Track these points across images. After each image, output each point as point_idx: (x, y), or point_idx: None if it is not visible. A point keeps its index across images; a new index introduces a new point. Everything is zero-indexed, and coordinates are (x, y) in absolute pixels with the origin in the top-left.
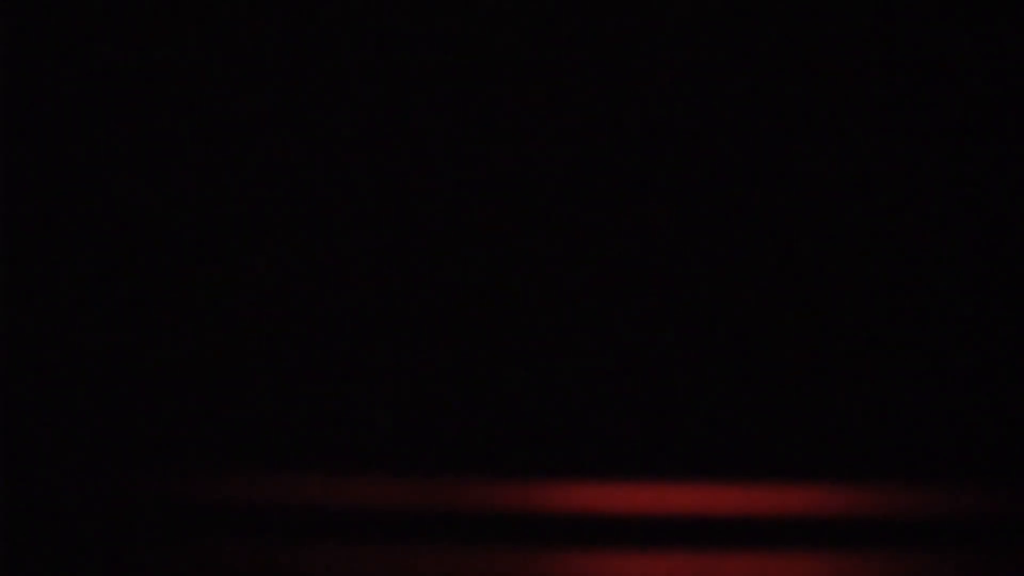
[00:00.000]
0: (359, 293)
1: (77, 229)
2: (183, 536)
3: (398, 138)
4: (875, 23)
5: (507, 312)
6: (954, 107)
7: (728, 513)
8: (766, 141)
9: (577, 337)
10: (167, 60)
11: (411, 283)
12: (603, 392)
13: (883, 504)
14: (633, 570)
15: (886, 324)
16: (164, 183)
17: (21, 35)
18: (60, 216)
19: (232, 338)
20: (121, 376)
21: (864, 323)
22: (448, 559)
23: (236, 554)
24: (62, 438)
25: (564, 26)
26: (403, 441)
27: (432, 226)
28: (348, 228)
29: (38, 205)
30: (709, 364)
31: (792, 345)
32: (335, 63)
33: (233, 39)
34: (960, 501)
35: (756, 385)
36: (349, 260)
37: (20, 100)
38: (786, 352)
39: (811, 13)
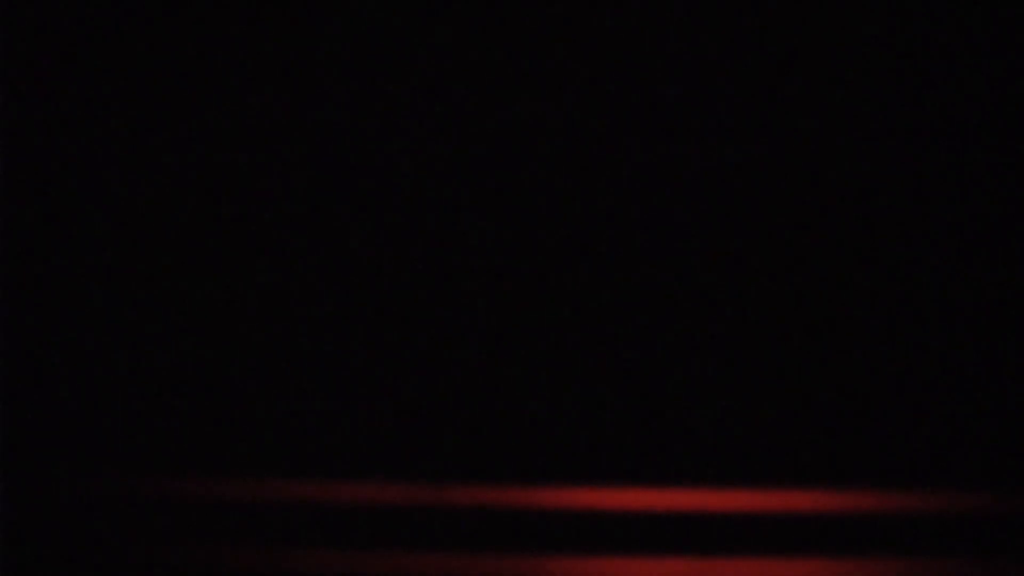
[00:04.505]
0: (357, 295)
1: (77, 229)
2: (183, 536)
3: (396, 139)
4: (875, 23)
5: (505, 315)
6: (954, 107)
7: (727, 516)
8: (764, 141)
9: (575, 340)
10: (166, 60)
11: (408, 286)
12: (602, 395)
13: (882, 507)
14: (631, 573)
15: (885, 327)
16: (163, 184)
17: (21, 35)
18: (60, 216)
19: (231, 339)
20: (120, 376)
21: (863, 326)
22: (447, 560)
23: (236, 554)
24: (62, 438)
25: (561, 26)
26: (402, 443)
27: (428, 229)
28: (345, 230)
29: (38, 205)
30: (707, 367)
31: (791, 348)
32: (334, 64)
33: (232, 39)
34: (959, 503)
35: (755, 388)
36: (347, 262)
37: (20, 100)
38: (785, 355)
39: (811, 13)
